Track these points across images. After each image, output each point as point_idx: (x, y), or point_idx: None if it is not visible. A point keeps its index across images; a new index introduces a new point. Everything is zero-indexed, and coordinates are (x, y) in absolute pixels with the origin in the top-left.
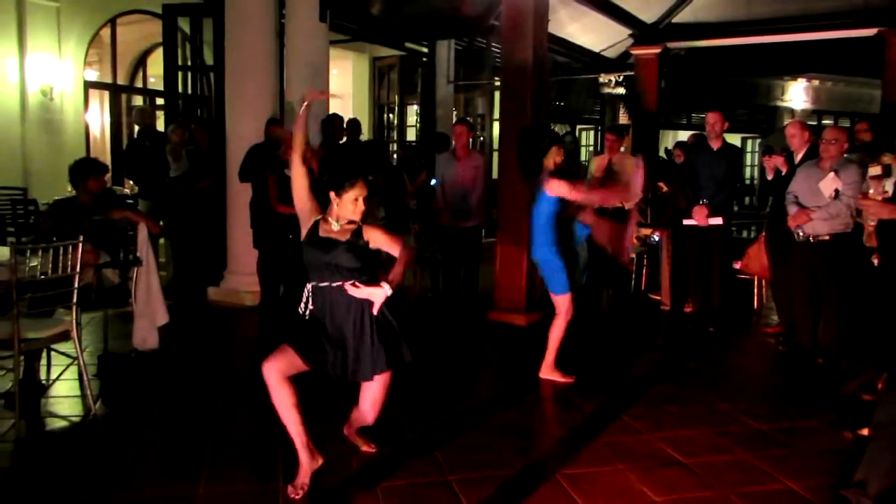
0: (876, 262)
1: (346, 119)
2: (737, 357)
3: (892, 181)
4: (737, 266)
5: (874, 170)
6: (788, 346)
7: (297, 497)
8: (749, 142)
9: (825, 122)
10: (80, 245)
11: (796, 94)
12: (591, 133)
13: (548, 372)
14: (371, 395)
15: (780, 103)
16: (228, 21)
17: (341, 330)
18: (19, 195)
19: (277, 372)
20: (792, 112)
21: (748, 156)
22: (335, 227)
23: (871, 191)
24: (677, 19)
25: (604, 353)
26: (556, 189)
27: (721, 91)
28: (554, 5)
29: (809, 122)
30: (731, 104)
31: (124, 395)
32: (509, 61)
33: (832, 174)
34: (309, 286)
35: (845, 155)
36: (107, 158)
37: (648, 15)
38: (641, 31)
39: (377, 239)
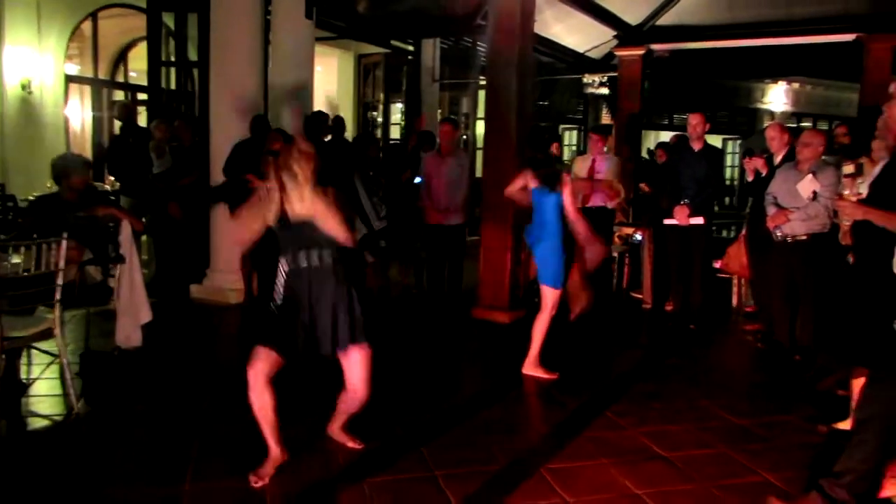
0: (851, 260)
1: (330, 117)
2: (717, 354)
3: (867, 183)
4: (717, 265)
5: (847, 168)
6: (767, 344)
7: (260, 484)
8: (730, 143)
9: (804, 124)
10: (65, 242)
11: (776, 97)
12: (574, 133)
13: (531, 368)
14: (357, 372)
15: (760, 105)
16: (214, 17)
17: (318, 307)
18: None
19: (263, 377)
20: (772, 114)
21: (729, 157)
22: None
23: (846, 192)
24: (661, 22)
25: (587, 350)
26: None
27: (703, 93)
28: (540, 5)
29: (789, 125)
30: (713, 106)
31: (108, 393)
32: (495, 61)
33: (810, 176)
34: (284, 269)
35: (823, 157)
36: (87, 154)
37: (633, 17)
38: (626, 33)
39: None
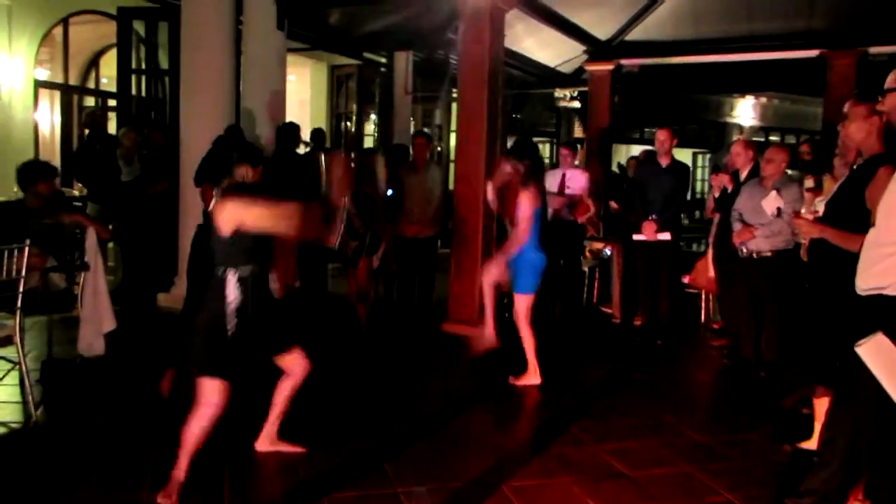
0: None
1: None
2: (683, 370)
3: (825, 201)
4: (685, 280)
5: (808, 182)
6: (733, 359)
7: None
8: (699, 157)
9: (772, 138)
10: (27, 249)
11: (744, 111)
12: (547, 146)
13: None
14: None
15: (729, 119)
16: (184, 26)
17: (262, 317)
18: None
19: (218, 413)
20: (740, 128)
21: (699, 171)
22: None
23: (802, 210)
24: (630, 37)
25: (555, 364)
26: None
27: (673, 107)
28: (511, 20)
29: (756, 139)
30: (683, 120)
31: (68, 401)
32: (466, 76)
33: (774, 192)
34: (234, 278)
35: (788, 172)
36: (56, 159)
37: (602, 32)
38: (595, 48)
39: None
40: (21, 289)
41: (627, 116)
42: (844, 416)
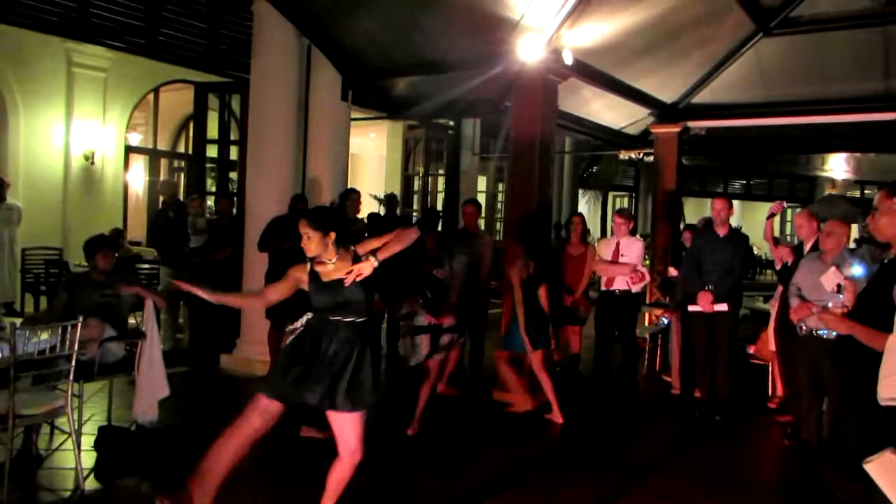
0: None
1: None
2: (737, 449)
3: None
4: (751, 350)
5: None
6: (794, 440)
7: None
8: (789, 211)
9: (867, 192)
10: (80, 325)
11: (837, 165)
12: (625, 199)
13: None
14: (357, 428)
15: (820, 173)
16: (252, 99)
17: (339, 362)
18: (55, 255)
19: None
20: (833, 182)
21: (788, 225)
22: (330, 266)
23: (829, 304)
24: (697, 100)
25: (604, 437)
26: None
27: (760, 160)
28: (576, 85)
29: (850, 193)
30: (770, 173)
31: (117, 469)
32: (517, 146)
33: (833, 268)
34: (308, 317)
35: (856, 245)
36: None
37: (667, 95)
38: (661, 111)
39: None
40: (74, 362)
41: (711, 170)
42: None
